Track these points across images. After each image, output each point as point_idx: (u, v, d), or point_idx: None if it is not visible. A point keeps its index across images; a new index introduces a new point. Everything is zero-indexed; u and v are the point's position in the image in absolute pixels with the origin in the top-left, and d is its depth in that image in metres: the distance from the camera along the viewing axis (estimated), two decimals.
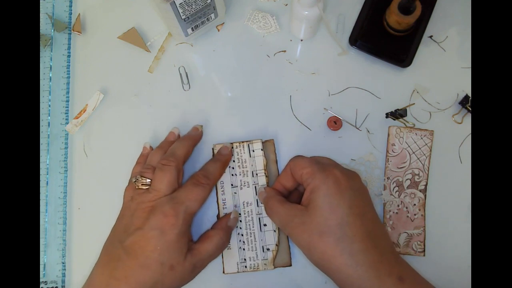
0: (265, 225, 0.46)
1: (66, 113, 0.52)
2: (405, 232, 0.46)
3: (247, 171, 0.47)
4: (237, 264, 0.46)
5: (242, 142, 0.48)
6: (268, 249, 0.46)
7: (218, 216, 0.47)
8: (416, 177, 0.47)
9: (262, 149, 0.47)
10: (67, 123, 0.52)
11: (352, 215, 0.38)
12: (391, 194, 0.47)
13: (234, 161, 0.47)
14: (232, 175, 0.48)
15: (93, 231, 0.50)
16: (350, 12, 0.51)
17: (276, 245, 0.46)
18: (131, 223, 0.42)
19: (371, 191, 0.48)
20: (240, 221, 0.47)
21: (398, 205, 0.47)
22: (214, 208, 0.48)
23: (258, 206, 0.47)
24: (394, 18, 0.46)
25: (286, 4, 0.52)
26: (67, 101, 0.52)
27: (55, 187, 0.50)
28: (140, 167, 0.47)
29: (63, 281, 0.49)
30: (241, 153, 0.48)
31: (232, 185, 0.47)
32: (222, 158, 0.47)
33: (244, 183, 0.47)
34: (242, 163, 0.47)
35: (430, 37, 0.50)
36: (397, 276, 0.37)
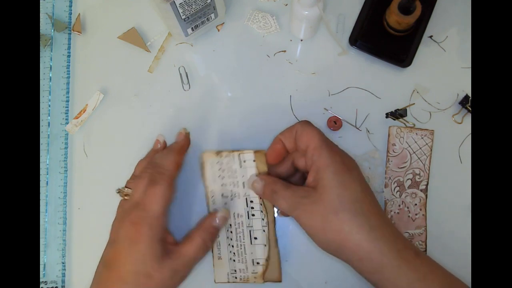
0: (255, 238, 0.45)
1: (66, 113, 0.52)
2: (407, 232, 0.46)
3: (238, 181, 0.45)
4: (228, 275, 0.45)
5: (232, 151, 0.45)
6: (258, 263, 0.45)
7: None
8: (417, 177, 0.47)
9: (254, 160, 0.44)
10: (67, 123, 0.51)
11: (363, 192, 0.37)
12: (392, 194, 0.47)
13: (224, 170, 0.45)
14: (222, 185, 0.45)
15: (93, 231, 0.50)
16: (350, 12, 0.51)
17: (266, 259, 0.45)
18: (109, 237, 0.41)
19: (373, 188, 0.48)
20: (231, 232, 0.45)
21: (399, 205, 0.47)
22: (201, 199, 0.48)
23: (248, 218, 0.45)
24: (394, 18, 0.46)
25: (286, 4, 0.52)
26: (67, 101, 0.52)
27: (55, 187, 0.50)
28: (141, 165, 0.45)
29: (63, 281, 0.49)
30: (230, 163, 0.45)
31: (222, 195, 0.46)
32: (176, 146, 0.44)
33: (235, 194, 0.45)
34: (232, 173, 0.45)
35: (430, 37, 0.50)
36: (413, 250, 0.36)
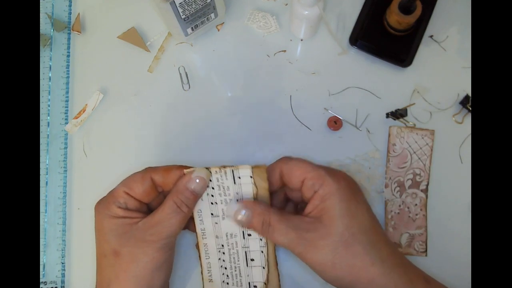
0: (252, 260, 0.40)
1: (65, 113, 0.52)
2: (407, 232, 0.46)
3: (231, 200, 0.39)
4: None
5: (224, 167, 0.38)
6: (255, 287, 0.41)
7: (197, 246, 0.41)
8: (418, 177, 0.47)
9: (251, 176, 0.38)
10: (66, 123, 0.51)
11: (371, 219, 0.35)
12: (393, 194, 0.47)
13: (213, 188, 0.39)
14: (212, 203, 0.40)
15: (93, 231, 0.49)
16: (350, 12, 0.51)
17: (265, 283, 0.40)
18: None
19: (373, 188, 0.48)
20: (223, 253, 0.41)
21: (400, 205, 0.47)
22: (192, 237, 0.45)
23: (244, 238, 0.40)
24: (395, 18, 0.46)
25: (286, 4, 0.52)
26: (67, 101, 0.52)
27: (54, 187, 0.50)
28: None
29: (62, 281, 0.49)
30: (222, 180, 0.39)
31: (212, 214, 0.40)
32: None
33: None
34: (224, 190, 0.39)
35: (431, 37, 0.50)
36: (424, 278, 0.35)
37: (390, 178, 0.47)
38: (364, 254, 0.33)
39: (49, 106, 0.52)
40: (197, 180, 0.37)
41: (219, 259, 0.41)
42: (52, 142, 0.51)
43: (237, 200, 0.38)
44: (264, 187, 0.38)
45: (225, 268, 0.41)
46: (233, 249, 0.41)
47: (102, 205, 0.38)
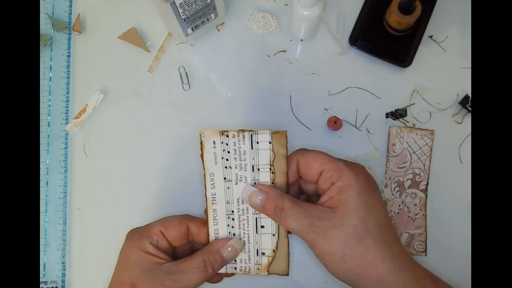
0: (262, 226, 0.40)
1: (66, 113, 0.52)
2: (407, 232, 0.46)
3: (246, 164, 0.39)
4: (226, 265, 0.41)
5: (242, 130, 0.38)
6: (263, 254, 0.40)
7: (205, 211, 0.41)
8: (417, 177, 0.47)
9: (270, 142, 0.38)
10: (67, 123, 0.51)
11: (386, 216, 0.35)
12: (392, 194, 0.47)
13: (229, 152, 0.39)
14: (226, 167, 0.39)
15: (93, 231, 0.50)
16: (350, 12, 0.51)
17: (273, 250, 0.40)
18: None
19: None
20: (233, 219, 0.40)
21: (399, 205, 0.47)
22: (202, 202, 0.43)
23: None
24: (394, 18, 0.46)
25: (286, 4, 0.52)
26: (67, 101, 0.52)
27: (55, 187, 0.50)
28: None
29: (63, 281, 0.49)
30: (239, 144, 0.38)
31: (225, 178, 0.39)
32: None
33: (241, 177, 0.39)
34: (239, 155, 0.39)
35: (430, 37, 0.50)
36: (431, 277, 0.35)
37: (389, 178, 0.47)
38: (376, 250, 0.33)
39: (49, 106, 0.52)
40: (229, 249, 0.38)
41: (228, 225, 0.40)
42: (52, 142, 0.51)
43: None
44: (282, 154, 0.38)
45: (234, 234, 0.40)
46: (243, 215, 0.40)
47: (135, 235, 0.38)
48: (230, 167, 0.39)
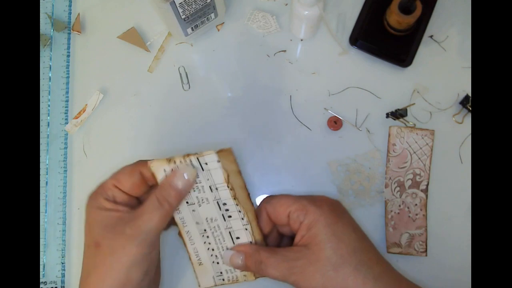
0: (238, 238, 0.41)
1: (65, 113, 0.52)
2: (407, 232, 0.46)
3: (203, 186, 0.39)
4: (213, 278, 0.42)
5: (188, 155, 0.38)
6: None
7: (179, 234, 0.42)
8: (417, 177, 0.47)
9: (218, 161, 0.38)
10: (66, 123, 0.51)
11: (359, 239, 0.36)
12: (393, 194, 0.47)
13: None
14: None
15: None
16: (350, 12, 0.51)
17: None
18: None
19: (373, 188, 0.48)
20: (208, 237, 0.41)
21: (400, 205, 0.47)
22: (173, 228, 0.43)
23: (225, 220, 0.40)
24: (395, 18, 0.46)
25: (286, 4, 0.52)
26: (67, 101, 0.52)
27: (54, 187, 0.50)
28: None
29: (62, 281, 0.49)
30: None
31: (187, 202, 0.40)
32: None
33: (202, 199, 0.40)
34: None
35: (431, 37, 0.50)
36: None
37: (390, 178, 0.47)
38: (355, 274, 0.34)
39: (49, 106, 0.52)
40: (183, 179, 0.37)
41: (205, 242, 0.41)
42: (52, 142, 0.51)
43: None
44: (234, 170, 0.39)
45: (213, 250, 0.41)
46: (216, 231, 0.41)
47: (91, 197, 0.38)
48: (189, 191, 0.39)
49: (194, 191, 0.39)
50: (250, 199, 0.40)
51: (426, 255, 0.46)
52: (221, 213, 0.40)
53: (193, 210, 0.40)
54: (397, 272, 0.37)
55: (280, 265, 0.36)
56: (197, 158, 0.38)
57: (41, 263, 0.49)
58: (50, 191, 0.50)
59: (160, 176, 0.39)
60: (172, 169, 0.38)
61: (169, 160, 0.38)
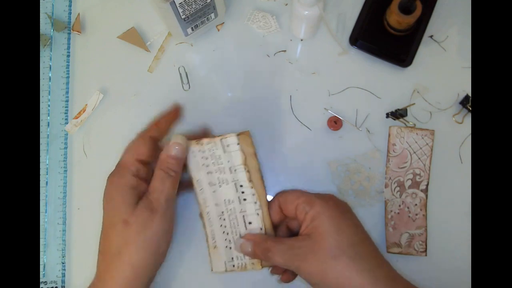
0: (250, 223, 0.43)
1: (65, 113, 0.52)
2: (407, 232, 0.46)
3: (224, 167, 0.43)
4: (225, 263, 0.44)
5: (214, 137, 0.43)
6: None
7: (200, 215, 0.44)
8: (417, 177, 0.47)
9: (238, 143, 0.42)
10: (66, 123, 0.51)
11: (358, 235, 0.38)
12: (393, 194, 0.47)
13: (207, 158, 0.43)
14: (208, 173, 0.44)
15: (93, 231, 0.49)
16: (350, 12, 0.51)
17: None
18: None
19: (373, 188, 0.48)
20: (224, 219, 0.44)
21: (400, 205, 0.47)
22: (195, 207, 0.46)
23: (240, 203, 0.43)
24: (395, 18, 0.46)
25: (286, 4, 0.52)
26: (67, 101, 0.52)
27: (54, 187, 0.50)
28: None
29: (63, 281, 0.49)
30: (213, 149, 0.43)
31: (209, 183, 0.44)
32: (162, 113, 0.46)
33: (223, 180, 0.43)
34: (216, 159, 0.43)
35: (431, 37, 0.50)
36: None
37: (390, 178, 0.47)
38: (351, 265, 0.36)
39: (49, 106, 0.52)
40: (176, 147, 0.41)
41: (221, 225, 0.44)
42: (52, 142, 0.51)
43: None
44: (251, 152, 0.43)
45: (227, 234, 0.44)
46: (232, 214, 0.44)
47: (115, 176, 0.41)
48: (211, 172, 0.44)
49: (216, 172, 0.43)
50: (263, 182, 0.43)
51: (426, 255, 0.46)
52: (238, 195, 0.43)
53: (214, 191, 0.44)
54: (392, 268, 0.38)
55: (285, 252, 0.38)
56: (221, 140, 0.42)
57: (41, 263, 0.49)
58: (50, 191, 0.50)
59: (189, 156, 0.43)
60: (199, 150, 0.43)
61: (197, 141, 0.43)
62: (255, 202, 0.43)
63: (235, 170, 0.43)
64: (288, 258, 0.38)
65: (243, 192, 0.43)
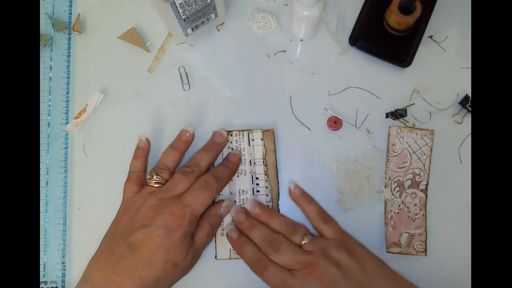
0: None
1: (66, 113, 0.52)
2: (407, 232, 0.46)
3: (245, 159, 0.48)
4: (230, 251, 0.46)
5: (242, 130, 0.48)
6: None
7: (213, 201, 0.47)
8: (417, 177, 0.47)
9: (262, 139, 0.48)
10: (67, 123, 0.51)
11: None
12: (392, 194, 0.47)
13: (232, 149, 0.48)
14: None
15: (93, 231, 0.49)
16: (350, 12, 0.51)
17: None
18: (135, 219, 0.42)
19: (373, 188, 0.48)
20: None
21: (399, 205, 0.47)
22: None
23: (253, 194, 0.47)
24: (394, 18, 0.46)
25: (286, 4, 0.52)
26: (67, 101, 0.52)
27: (55, 187, 0.50)
28: (140, 162, 0.47)
29: (63, 281, 0.49)
30: (240, 141, 0.48)
31: None
32: (232, 166, 0.47)
33: (241, 171, 0.48)
34: (240, 151, 0.48)
35: (430, 37, 0.50)
36: None
37: (389, 178, 0.47)
38: None
39: (49, 106, 0.52)
40: (223, 209, 0.46)
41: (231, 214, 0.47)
42: (52, 142, 0.51)
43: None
44: (272, 148, 0.48)
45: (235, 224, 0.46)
46: (243, 204, 0.47)
47: (187, 223, 0.42)
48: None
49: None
50: (277, 177, 0.48)
51: (426, 255, 0.46)
52: (252, 187, 0.47)
53: (231, 180, 0.48)
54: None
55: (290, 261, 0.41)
56: (248, 134, 0.48)
57: (41, 263, 0.49)
58: (50, 191, 0.50)
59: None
60: (227, 140, 0.48)
61: (228, 132, 0.48)
62: (267, 195, 0.47)
63: (254, 163, 0.47)
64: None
65: (257, 184, 0.47)
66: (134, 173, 0.46)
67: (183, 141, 0.47)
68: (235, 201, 0.47)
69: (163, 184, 0.44)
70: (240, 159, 0.48)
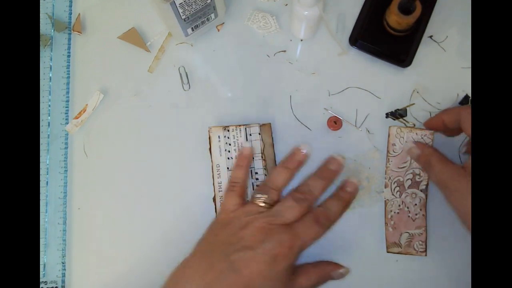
0: None
1: (66, 113, 0.52)
2: (407, 232, 0.46)
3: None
4: None
5: (239, 125, 0.48)
6: None
7: (214, 199, 0.47)
8: (417, 176, 0.47)
9: (259, 133, 0.47)
10: (67, 123, 0.52)
11: None
12: (392, 194, 0.47)
13: (230, 144, 0.47)
14: (228, 158, 0.47)
15: (93, 231, 0.50)
16: (350, 12, 0.51)
17: None
18: (240, 237, 0.40)
19: (373, 188, 0.48)
20: None
21: (399, 205, 0.47)
22: (209, 191, 0.48)
23: (253, 189, 0.46)
24: (394, 18, 0.46)
25: (286, 4, 0.52)
26: (67, 101, 0.52)
27: (55, 187, 0.50)
28: (243, 172, 0.45)
29: (63, 281, 0.49)
30: (237, 137, 0.47)
31: (228, 168, 0.47)
32: (347, 197, 0.43)
33: None
34: (238, 146, 0.47)
35: (430, 37, 0.50)
36: None
37: (389, 178, 0.47)
38: None
39: (49, 106, 0.52)
40: (336, 275, 0.43)
41: None
42: (52, 142, 0.51)
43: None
44: (269, 143, 0.48)
45: None
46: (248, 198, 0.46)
47: (290, 262, 0.40)
48: (231, 158, 0.47)
49: (236, 158, 0.47)
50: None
51: (426, 255, 0.46)
52: (251, 181, 0.47)
53: (230, 176, 0.46)
54: None
55: (443, 177, 0.41)
56: (245, 128, 0.47)
57: (41, 263, 0.49)
58: (50, 191, 0.50)
59: (214, 140, 0.48)
60: (225, 136, 0.47)
61: (224, 127, 0.48)
62: None
63: (253, 158, 0.47)
64: (443, 183, 0.40)
65: (257, 179, 0.47)
66: (237, 183, 0.44)
67: (296, 161, 0.43)
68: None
69: (271, 205, 0.41)
70: (357, 188, 0.44)
